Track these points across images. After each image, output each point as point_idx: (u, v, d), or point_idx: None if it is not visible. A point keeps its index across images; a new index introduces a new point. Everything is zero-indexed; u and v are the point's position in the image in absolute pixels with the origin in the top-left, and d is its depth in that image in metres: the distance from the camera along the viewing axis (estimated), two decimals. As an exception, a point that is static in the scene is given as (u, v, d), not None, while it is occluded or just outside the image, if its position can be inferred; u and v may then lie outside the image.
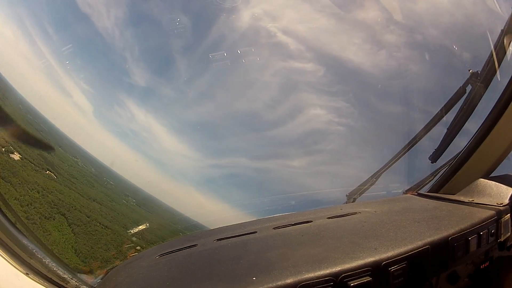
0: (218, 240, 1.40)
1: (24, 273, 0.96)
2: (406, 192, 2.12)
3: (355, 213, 1.63)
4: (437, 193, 2.00)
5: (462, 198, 1.73)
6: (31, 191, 3.20)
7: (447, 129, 2.06)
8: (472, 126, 1.97)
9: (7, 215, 1.07)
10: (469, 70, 2.02)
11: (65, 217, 3.29)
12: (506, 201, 1.58)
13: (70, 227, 3.24)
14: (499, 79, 1.90)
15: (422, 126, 2.28)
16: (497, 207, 1.54)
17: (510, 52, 1.91)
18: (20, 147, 2.93)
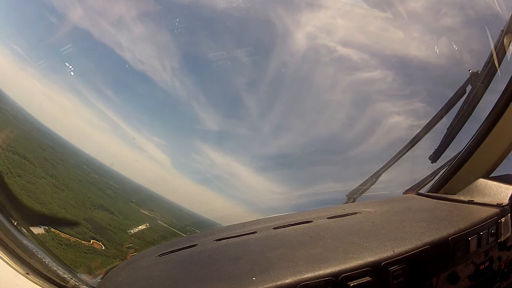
0: (218, 240, 1.40)
1: (24, 273, 0.96)
2: (406, 192, 2.12)
3: (355, 213, 1.62)
4: (437, 193, 2.00)
5: (462, 198, 1.73)
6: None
7: (447, 129, 2.06)
8: (472, 126, 1.96)
9: (8, 215, 1.07)
10: (469, 70, 2.01)
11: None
12: (506, 201, 1.58)
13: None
14: (499, 79, 1.90)
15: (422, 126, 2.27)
16: (497, 207, 1.54)
17: (510, 52, 1.91)
18: (57, 216, 2.40)
